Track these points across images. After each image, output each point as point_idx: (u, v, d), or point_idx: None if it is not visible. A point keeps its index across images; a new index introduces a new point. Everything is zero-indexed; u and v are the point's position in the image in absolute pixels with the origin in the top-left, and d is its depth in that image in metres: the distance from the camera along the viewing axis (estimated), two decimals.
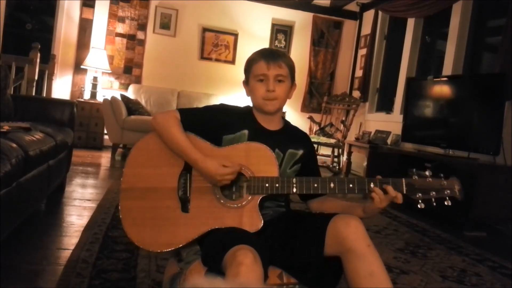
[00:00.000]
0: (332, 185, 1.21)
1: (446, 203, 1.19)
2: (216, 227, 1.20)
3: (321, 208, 1.36)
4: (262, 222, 1.19)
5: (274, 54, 1.33)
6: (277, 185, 1.21)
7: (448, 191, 1.19)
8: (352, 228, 1.12)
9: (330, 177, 1.24)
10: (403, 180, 1.20)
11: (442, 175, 1.22)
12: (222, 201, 1.23)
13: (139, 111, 5.29)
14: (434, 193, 1.20)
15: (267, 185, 1.21)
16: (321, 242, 1.15)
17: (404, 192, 1.19)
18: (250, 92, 1.37)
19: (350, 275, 1.11)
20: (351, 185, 1.20)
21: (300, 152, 1.36)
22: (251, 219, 1.20)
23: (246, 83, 1.39)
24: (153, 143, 1.31)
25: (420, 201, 1.19)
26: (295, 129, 1.45)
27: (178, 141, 1.26)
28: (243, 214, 1.21)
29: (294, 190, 1.21)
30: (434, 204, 1.20)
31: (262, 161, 1.24)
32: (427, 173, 1.21)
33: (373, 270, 1.09)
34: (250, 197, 1.22)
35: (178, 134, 1.27)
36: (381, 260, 1.12)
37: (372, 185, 1.19)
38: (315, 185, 1.21)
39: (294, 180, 1.22)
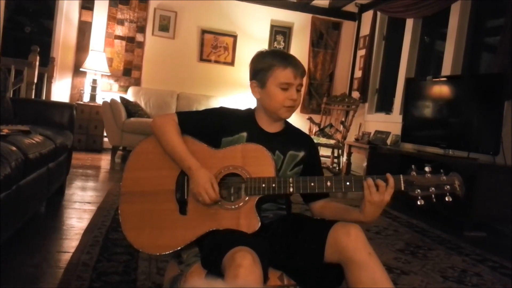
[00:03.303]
0: (329, 183, 1.20)
1: (446, 199, 1.16)
2: (214, 228, 1.20)
3: (321, 211, 1.35)
4: (260, 223, 1.19)
5: (298, 64, 1.31)
6: (273, 185, 1.20)
7: (448, 187, 1.16)
8: (353, 237, 1.11)
9: (327, 176, 1.23)
10: (401, 177, 1.18)
11: (442, 170, 1.19)
12: (219, 202, 1.23)
13: (138, 113, 5.29)
14: (433, 189, 1.16)
15: (263, 185, 1.21)
16: (321, 250, 1.14)
17: (402, 188, 1.17)
18: (267, 97, 1.31)
19: (353, 284, 1.10)
20: (348, 183, 1.19)
21: (301, 154, 1.36)
22: (248, 220, 1.20)
23: (259, 85, 1.33)
24: (152, 147, 1.32)
25: (419, 197, 1.16)
26: (297, 130, 1.45)
27: (174, 146, 1.27)
28: (240, 215, 1.21)
29: (291, 189, 1.21)
30: (434, 200, 1.17)
31: (259, 162, 1.23)
32: (426, 169, 1.18)
33: (376, 278, 1.08)
34: (247, 198, 1.22)
35: (175, 139, 1.27)
36: (383, 267, 1.11)
37: None
38: (312, 184, 1.20)
39: (290, 179, 1.21)
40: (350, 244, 1.10)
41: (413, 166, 1.20)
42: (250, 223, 1.19)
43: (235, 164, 1.25)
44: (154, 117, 1.53)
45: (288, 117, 1.34)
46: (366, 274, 1.08)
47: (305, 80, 6.33)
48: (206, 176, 1.21)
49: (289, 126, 1.43)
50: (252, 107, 1.42)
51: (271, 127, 1.37)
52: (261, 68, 1.31)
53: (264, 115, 1.37)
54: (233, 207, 1.22)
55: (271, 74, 1.29)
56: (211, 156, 1.27)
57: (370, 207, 1.17)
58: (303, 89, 6.33)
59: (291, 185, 1.21)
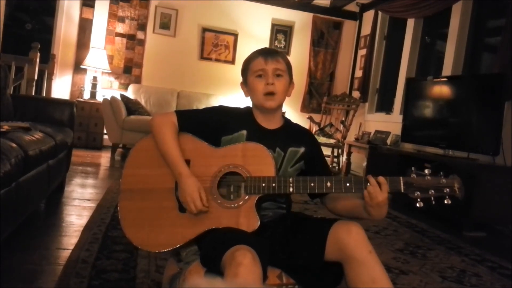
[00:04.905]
0: (329, 184, 1.19)
1: (446, 202, 1.16)
2: (213, 227, 1.20)
3: (334, 204, 1.33)
4: (259, 222, 1.19)
5: (271, 51, 1.36)
6: (273, 184, 1.20)
7: (448, 190, 1.16)
8: (353, 235, 1.11)
9: (327, 176, 1.23)
10: (401, 178, 1.17)
11: (442, 173, 1.19)
12: (219, 201, 1.23)
13: (138, 111, 5.29)
14: (433, 191, 1.16)
15: (263, 184, 1.20)
16: (322, 248, 1.14)
17: (402, 190, 1.16)
18: (249, 91, 1.36)
19: (352, 282, 1.10)
20: (348, 184, 1.19)
21: (302, 149, 1.35)
22: (247, 219, 1.19)
23: (244, 83, 1.39)
24: (152, 144, 1.31)
25: (418, 199, 1.16)
26: (296, 126, 1.44)
27: (168, 149, 1.26)
28: (240, 214, 1.20)
29: (291, 189, 1.20)
30: (434, 202, 1.16)
31: (259, 161, 1.23)
32: (426, 171, 1.18)
33: (375, 276, 1.08)
34: (247, 197, 1.22)
35: (170, 143, 1.27)
36: (382, 266, 1.11)
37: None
38: (312, 184, 1.20)
39: (290, 179, 1.21)
40: (351, 241, 1.10)
41: (413, 168, 1.19)
42: (249, 222, 1.19)
43: (236, 162, 1.25)
44: (153, 115, 1.52)
45: (273, 106, 1.32)
46: (366, 272, 1.08)
47: (305, 79, 6.38)
48: (194, 185, 1.21)
49: (288, 122, 1.43)
50: (251, 106, 1.42)
51: (270, 124, 1.37)
52: (243, 69, 1.39)
53: (259, 112, 1.37)
54: (232, 205, 1.22)
55: (249, 69, 1.35)
56: (211, 154, 1.27)
57: (375, 208, 1.17)
58: (303, 88, 6.33)
59: (291, 185, 1.21)
